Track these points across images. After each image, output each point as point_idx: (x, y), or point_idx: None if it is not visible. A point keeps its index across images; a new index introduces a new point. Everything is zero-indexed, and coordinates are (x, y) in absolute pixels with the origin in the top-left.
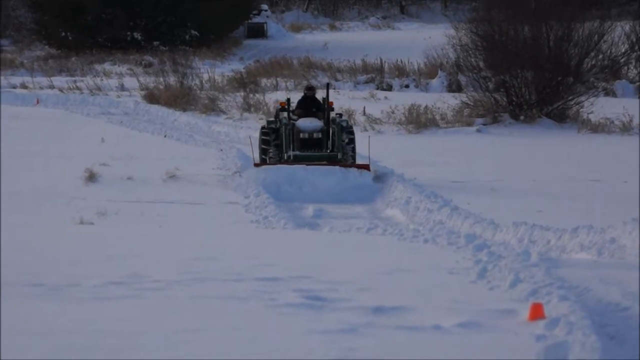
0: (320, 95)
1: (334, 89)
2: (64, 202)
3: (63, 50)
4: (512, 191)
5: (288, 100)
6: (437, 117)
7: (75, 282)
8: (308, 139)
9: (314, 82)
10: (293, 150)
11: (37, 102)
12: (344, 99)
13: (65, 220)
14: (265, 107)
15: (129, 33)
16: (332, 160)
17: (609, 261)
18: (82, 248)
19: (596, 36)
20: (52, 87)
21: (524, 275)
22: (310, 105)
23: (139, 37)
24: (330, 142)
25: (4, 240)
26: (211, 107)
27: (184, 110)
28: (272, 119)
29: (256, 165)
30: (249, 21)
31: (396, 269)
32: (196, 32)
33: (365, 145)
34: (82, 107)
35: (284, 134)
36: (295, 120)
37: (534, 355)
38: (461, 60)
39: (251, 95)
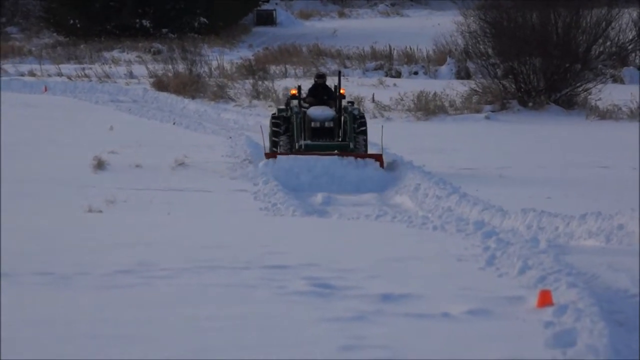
0: (331, 82)
1: (344, 75)
2: (72, 190)
3: (71, 37)
4: (521, 178)
5: (299, 88)
6: (446, 104)
7: (84, 271)
8: (319, 128)
9: (323, 70)
10: (304, 140)
11: (45, 90)
12: (353, 86)
13: (74, 208)
14: (274, 95)
15: (137, 20)
16: (343, 150)
17: (617, 248)
18: (91, 236)
19: (604, 23)
20: (60, 74)
21: (532, 262)
22: (322, 93)
23: (148, 25)
24: (341, 131)
25: (13, 229)
26: (220, 95)
27: (193, 97)
28: (283, 107)
29: (267, 154)
30: (258, 8)
31: (405, 257)
32: (205, 20)
33: (376, 133)
34: (90, 95)
35: (295, 122)
36: (307, 109)
37: (543, 342)
38: (470, 47)
39: (260, 82)
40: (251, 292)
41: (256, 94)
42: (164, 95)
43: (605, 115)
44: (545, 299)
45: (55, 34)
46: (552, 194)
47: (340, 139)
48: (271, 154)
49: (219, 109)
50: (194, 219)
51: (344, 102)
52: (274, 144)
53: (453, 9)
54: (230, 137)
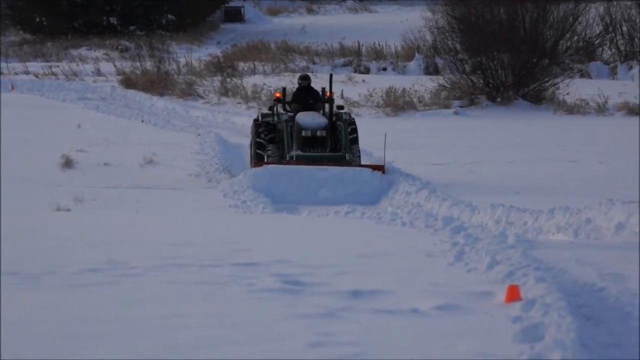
0: (317, 83)
1: (312, 72)
2: (40, 189)
3: (38, 35)
4: (490, 173)
5: (283, 90)
6: (415, 99)
7: (52, 270)
8: (311, 137)
9: (291, 67)
10: (295, 150)
11: (12, 88)
12: (322, 82)
13: (42, 207)
14: (242, 92)
15: (105, 18)
16: (339, 162)
17: (585, 242)
18: (59, 235)
19: (571, 18)
20: (27, 72)
21: (500, 257)
22: (307, 96)
23: (115, 22)
24: (333, 139)
25: None
26: (188, 92)
27: (161, 95)
28: (266, 111)
29: (256, 163)
30: (226, 5)
31: (374, 253)
32: (173, 17)
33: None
34: (58, 93)
35: (284, 131)
36: (292, 114)
37: (511, 337)
38: (438, 43)
39: (228, 79)
40: (220, 289)
41: (225, 91)
42: (132, 92)
43: (573, 109)
44: (513, 294)
45: (21, 32)
46: (520, 189)
47: (329, 149)
48: (259, 163)
49: (188, 106)
50: (163, 217)
51: (335, 107)
52: (256, 155)
53: (421, 5)
54: (199, 135)
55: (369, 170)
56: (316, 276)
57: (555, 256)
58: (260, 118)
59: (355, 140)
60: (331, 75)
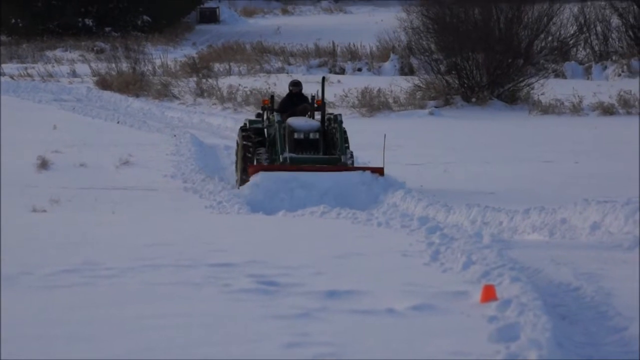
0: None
1: (287, 73)
2: (16, 190)
3: (13, 37)
4: (465, 173)
5: (272, 97)
6: (390, 100)
7: (28, 271)
8: (303, 140)
9: (267, 67)
10: (287, 152)
11: None
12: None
13: (17, 208)
14: (218, 92)
15: (80, 19)
16: (333, 164)
17: (560, 242)
18: (35, 236)
19: (545, 18)
20: (2, 74)
21: (476, 257)
22: (297, 103)
23: (91, 23)
24: (325, 144)
25: None
26: (164, 93)
27: (137, 96)
28: (254, 118)
29: (251, 167)
30: (201, 6)
31: (350, 253)
32: (148, 18)
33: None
34: (33, 94)
35: (278, 132)
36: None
37: (486, 337)
38: (413, 43)
39: (204, 80)
40: (196, 290)
41: (200, 92)
42: (107, 94)
43: (547, 109)
44: (488, 294)
45: None
46: (495, 189)
47: (322, 153)
48: (255, 167)
49: (163, 107)
50: (139, 218)
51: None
52: (245, 160)
53: (396, 5)
54: (175, 135)
55: (368, 172)
56: (292, 277)
57: (531, 256)
58: (247, 125)
59: (345, 140)
60: (324, 79)
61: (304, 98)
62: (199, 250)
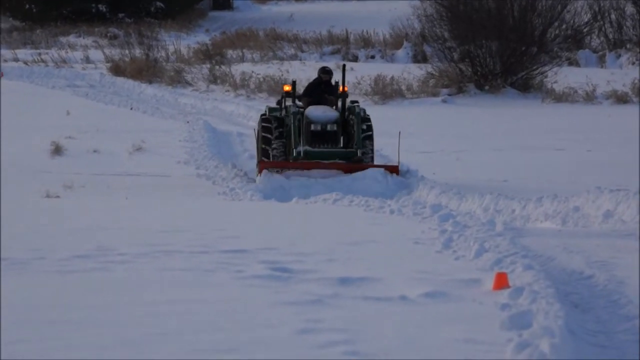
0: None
1: (300, 60)
2: (30, 175)
3: (27, 22)
4: (478, 161)
5: (294, 83)
6: (403, 87)
7: (41, 256)
8: (320, 132)
9: (280, 54)
10: (303, 145)
11: (1, 75)
12: (310, 70)
13: (31, 194)
14: (231, 79)
15: (93, 5)
16: (349, 159)
17: (572, 230)
18: (48, 221)
19: (559, 6)
20: (16, 60)
21: (488, 245)
22: (323, 91)
23: (104, 9)
24: (343, 136)
25: None
26: (177, 79)
27: (150, 82)
28: (274, 105)
29: (261, 163)
30: None
31: (362, 240)
32: (161, 4)
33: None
34: (47, 80)
35: (292, 124)
36: (304, 107)
37: (498, 324)
38: (426, 31)
39: (217, 67)
40: (209, 276)
41: (213, 79)
42: (121, 80)
43: (561, 98)
44: (501, 282)
45: (11, 19)
46: (508, 177)
47: (342, 145)
48: (265, 163)
49: (177, 93)
50: (152, 204)
51: (348, 102)
52: (263, 153)
53: None
54: (188, 122)
55: (381, 170)
56: (305, 263)
57: (543, 244)
58: (267, 112)
59: (369, 138)
60: (344, 66)
61: (331, 87)
62: (211, 236)
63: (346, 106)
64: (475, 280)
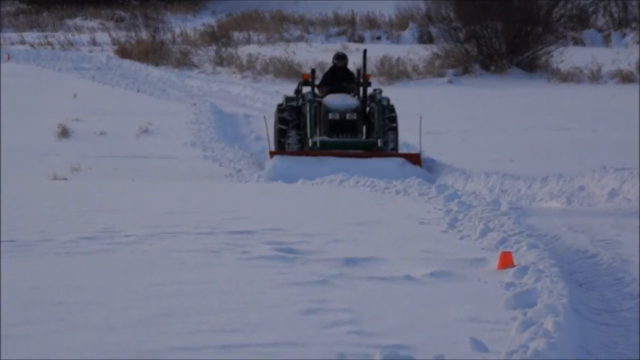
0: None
1: (306, 41)
2: (37, 158)
3: (34, 5)
4: (483, 141)
5: (313, 71)
6: (409, 68)
7: (48, 238)
8: (339, 121)
9: (286, 36)
10: (320, 135)
11: (8, 58)
12: (317, 52)
13: (38, 176)
14: (237, 61)
15: None
16: (369, 149)
17: (577, 209)
18: (55, 203)
19: None
20: (23, 42)
21: (493, 224)
22: (340, 79)
23: None
24: (367, 126)
25: None
26: (184, 62)
27: (157, 64)
28: (292, 95)
29: (272, 153)
30: None
31: (368, 221)
32: None
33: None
34: (53, 63)
35: (308, 113)
36: (322, 98)
37: (503, 303)
38: (432, 12)
39: (223, 49)
40: (215, 257)
41: (220, 61)
42: (127, 62)
43: (566, 78)
44: (506, 261)
45: (17, 2)
46: (514, 157)
47: (364, 136)
48: (276, 152)
49: (183, 75)
50: (159, 186)
51: (369, 90)
52: (280, 145)
53: None
54: (194, 104)
55: (396, 160)
56: (310, 244)
57: (548, 223)
58: (284, 102)
59: (393, 130)
60: (365, 52)
61: (349, 74)
62: (218, 217)
63: (367, 94)
64: (480, 259)
